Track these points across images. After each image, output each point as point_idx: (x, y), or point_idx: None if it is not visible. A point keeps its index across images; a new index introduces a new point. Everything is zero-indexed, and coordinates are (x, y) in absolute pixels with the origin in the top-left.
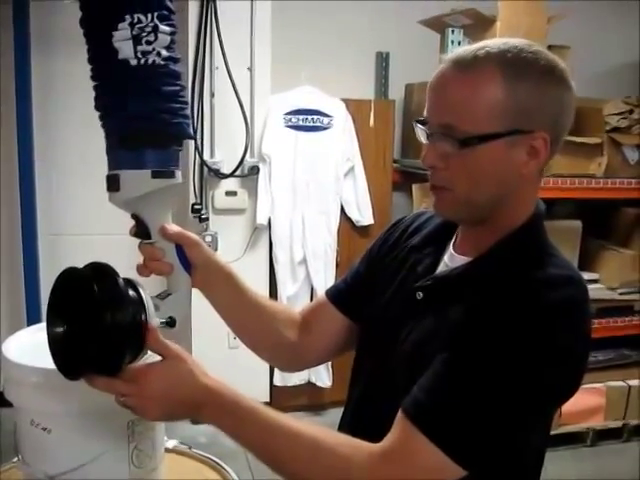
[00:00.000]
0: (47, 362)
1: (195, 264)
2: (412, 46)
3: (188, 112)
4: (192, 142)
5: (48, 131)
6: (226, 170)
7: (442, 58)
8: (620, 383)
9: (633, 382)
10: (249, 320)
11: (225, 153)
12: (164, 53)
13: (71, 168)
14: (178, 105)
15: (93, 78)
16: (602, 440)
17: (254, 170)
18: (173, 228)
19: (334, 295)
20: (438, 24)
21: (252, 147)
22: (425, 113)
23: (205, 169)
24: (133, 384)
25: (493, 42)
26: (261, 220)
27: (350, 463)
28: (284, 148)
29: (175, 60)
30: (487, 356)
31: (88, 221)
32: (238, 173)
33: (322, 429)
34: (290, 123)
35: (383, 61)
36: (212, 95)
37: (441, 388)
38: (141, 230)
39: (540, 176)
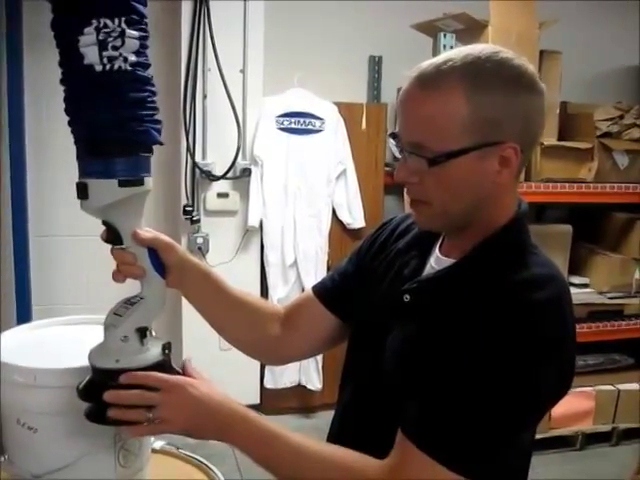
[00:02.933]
0: (34, 362)
1: (169, 265)
2: (405, 50)
3: (159, 117)
4: (184, 143)
5: (40, 132)
6: (218, 172)
7: (407, 74)
8: (609, 387)
9: (622, 386)
10: (230, 317)
11: (217, 155)
12: (132, 59)
13: (61, 169)
14: (146, 112)
15: (62, 82)
16: (591, 444)
17: (246, 172)
18: (145, 233)
19: (320, 292)
20: (430, 28)
21: (244, 149)
22: (396, 128)
23: (197, 171)
24: (166, 393)
25: (458, 53)
26: (252, 222)
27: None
28: (276, 150)
29: (144, 66)
30: (475, 363)
31: (76, 222)
32: (230, 175)
33: (339, 449)
34: (282, 126)
35: (375, 64)
36: (204, 97)
37: (434, 402)
38: (112, 236)
39: (517, 179)
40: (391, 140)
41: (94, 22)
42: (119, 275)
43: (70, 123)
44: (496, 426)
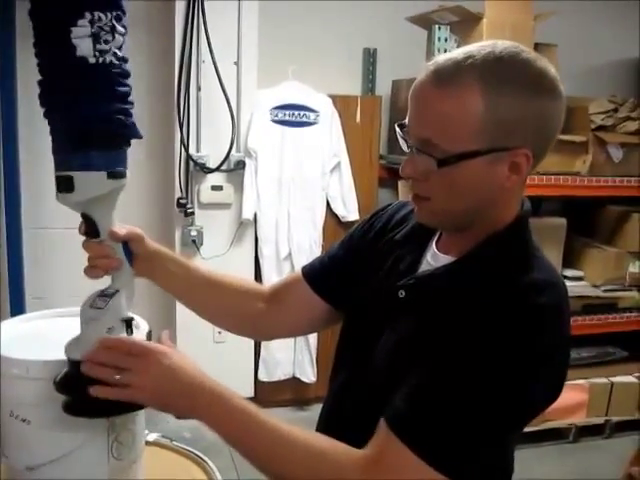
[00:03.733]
0: (28, 353)
1: (138, 254)
2: (399, 42)
3: (135, 111)
4: (178, 135)
5: (33, 125)
6: (212, 164)
7: (424, 65)
8: (603, 380)
9: (616, 379)
10: (207, 298)
11: (211, 147)
12: (119, 53)
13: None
14: (129, 106)
15: (42, 73)
16: (584, 436)
17: (240, 165)
18: (121, 230)
19: (309, 273)
20: (425, 21)
21: (238, 142)
22: (406, 121)
23: (191, 163)
24: (139, 359)
25: (480, 48)
26: (247, 215)
27: (340, 469)
28: (270, 143)
29: (126, 61)
30: (469, 363)
31: (69, 215)
32: (224, 168)
33: (312, 433)
34: (276, 118)
35: (370, 57)
36: (198, 89)
37: (423, 398)
38: (91, 229)
39: (524, 182)
40: (398, 131)
41: (87, 15)
42: (96, 271)
43: (50, 114)
44: (485, 428)
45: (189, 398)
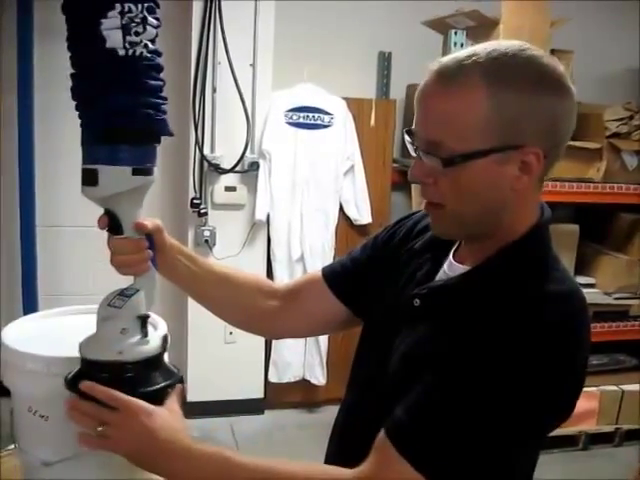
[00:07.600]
0: (46, 350)
1: (158, 247)
2: (414, 46)
3: (167, 107)
4: (193, 136)
5: (47, 124)
6: (226, 165)
7: (427, 67)
8: (614, 388)
9: (627, 387)
10: (218, 292)
11: (225, 148)
12: (150, 46)
13: (67, 160)
14: (161, 100)
15: (74, 66)
16: (594, 444)
17: (254, 166)
18: (147, 222)
19: (330, 276)
20: (441, 25)
21: (252, 143)
22: (414, 125)
23: (205, 164)
24: (119, 415)
25: (483, 48)
26: (260, 216)
27: None
28: (284, 145)
29: (159, 54)
30: (475, 378)
31: (82, 213)
32: (238, 169)
33: (299, 463)
34: (291, 120)
35: (385, 61)
36: (214, 90)
37: (426, 411)
38: (114, 225)
39: (540, 185)
40: (406, 137)
41: (118, 6)
42: (124, 268)
43: (80, 107)
44: (487, 448)
45: (166, 460)
